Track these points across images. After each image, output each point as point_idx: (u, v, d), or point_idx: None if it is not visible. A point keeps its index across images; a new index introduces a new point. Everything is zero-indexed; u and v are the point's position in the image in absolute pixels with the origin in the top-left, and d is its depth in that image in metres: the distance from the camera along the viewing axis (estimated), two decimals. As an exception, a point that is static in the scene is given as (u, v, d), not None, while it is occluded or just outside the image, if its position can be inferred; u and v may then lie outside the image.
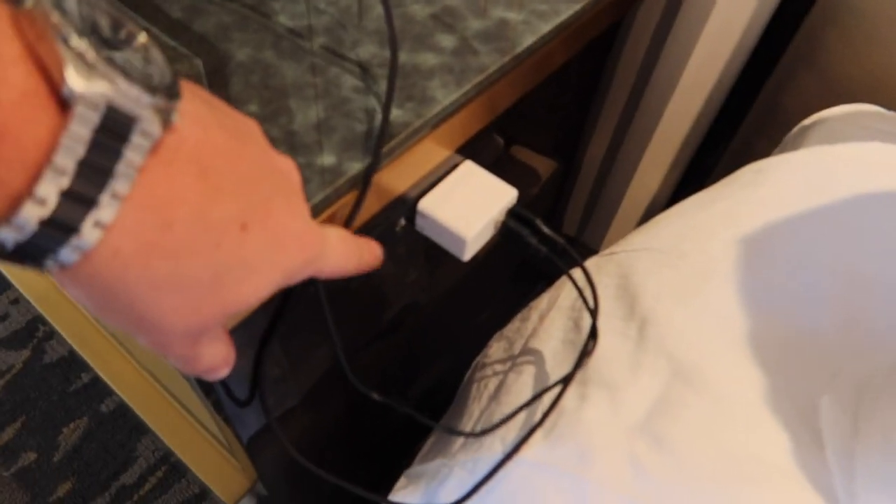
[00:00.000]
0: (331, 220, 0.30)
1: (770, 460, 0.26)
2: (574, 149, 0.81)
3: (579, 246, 0.88)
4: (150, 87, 0.14)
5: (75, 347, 0.83)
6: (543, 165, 0.76)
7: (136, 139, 0.14)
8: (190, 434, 0.50)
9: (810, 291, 0.31)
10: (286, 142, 0.30)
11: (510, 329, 0.47)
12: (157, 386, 0.55)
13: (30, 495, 0.80)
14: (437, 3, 0.39)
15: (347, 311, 0.42)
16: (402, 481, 0.42)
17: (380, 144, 0.30)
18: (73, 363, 0.90)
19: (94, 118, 0.13)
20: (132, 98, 0.14)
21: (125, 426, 0.85)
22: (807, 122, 0.54)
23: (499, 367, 0.43)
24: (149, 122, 0.14)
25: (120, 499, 0.80)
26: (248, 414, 0.40)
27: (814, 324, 0.30)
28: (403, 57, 0.35)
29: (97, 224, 0.14)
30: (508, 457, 0.31)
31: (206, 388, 0.34)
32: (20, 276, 0.81)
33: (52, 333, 0.93)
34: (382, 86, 0.33)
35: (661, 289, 0.35)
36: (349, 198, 0.30)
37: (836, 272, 0.31)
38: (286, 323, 0.30)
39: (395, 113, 0.32)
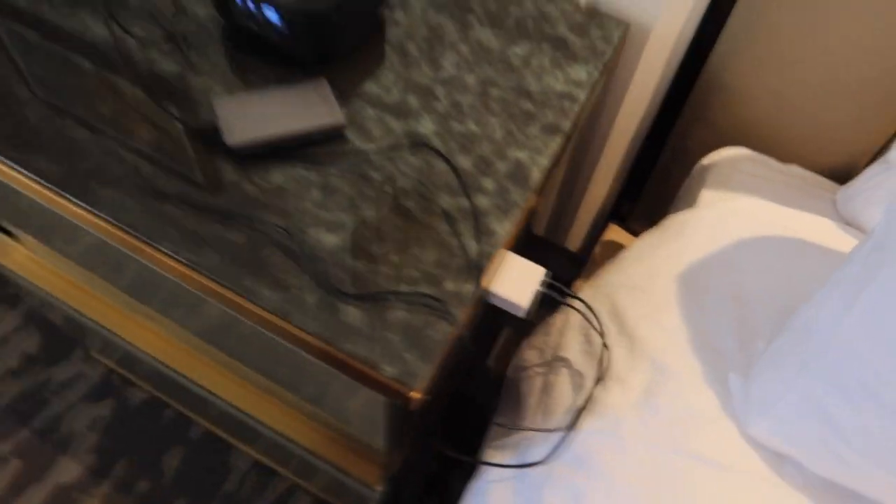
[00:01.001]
0: (462, 321, 0.51)
1: (708, 412, 0.51)
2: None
3: (551, 245, 1.12)
4: None
5: (176, 370, 0.99)
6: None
7: None
8: (319, 437, 0.69)
9: (718, 309, 0.55)
10: (425, 279, 0.51)
11: (536, 341, 0.70)
12: (269, 396, 0.72)
13: (154, 514, 1.00)
14: (474, 153, 0.60)
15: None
16: (489, 452, 0.65)
17: (480, 275, 0.52)
18: (154, 403, 1.09)
19: None
20: None
21: (215, 446, 1.05)
22: (704, 161, 0.79)
23: (538, 370, 0.66)
24: None
25: (228, 503, 1.01)
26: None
27: (723, 329, 0.54)
28: (467, 201, 0.56)
29: None
30: (570, 429, 0.55)
31: (393, 422, 0.56)
32: (102, 312, 0.91)
33: (127, 380, 1.10)
34: (462, 227, 0.55)
35: (638, 315, 0.59)
36: (469, 307, 0.52)
37: (733, 298, 0.56)
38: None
39: (477, 247, 0.54)
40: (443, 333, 0.49)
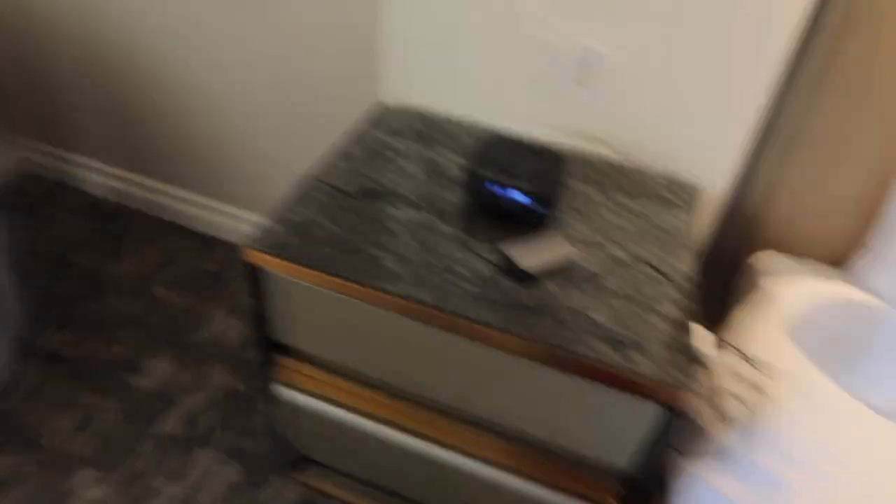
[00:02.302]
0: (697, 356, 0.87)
1: (834, 392, 0.88)
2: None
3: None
4: None
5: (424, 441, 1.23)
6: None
7: None
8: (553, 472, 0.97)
9: (809, 335, 0.96)
10: (667, 331, 0.88)
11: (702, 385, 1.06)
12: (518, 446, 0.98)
13: None
14: (651, 264, 0.99)
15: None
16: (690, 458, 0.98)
17: (689, 331, 0.89)
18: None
19: None
20: None
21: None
22: (749, 259, 1.24)
23: (705, 406, 1.02)
24: None
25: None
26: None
27: (817, 344, 0.94)
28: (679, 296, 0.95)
29: None
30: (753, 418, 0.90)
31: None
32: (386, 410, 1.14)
33: (322, 492, 1.32)
34: (667, 308, 0.93)
35: (765, 354, 0.97)
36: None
37: (820, 330, 0.96)
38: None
39: (680, 315, 0.91)
40: (695, 367, 0.85)
